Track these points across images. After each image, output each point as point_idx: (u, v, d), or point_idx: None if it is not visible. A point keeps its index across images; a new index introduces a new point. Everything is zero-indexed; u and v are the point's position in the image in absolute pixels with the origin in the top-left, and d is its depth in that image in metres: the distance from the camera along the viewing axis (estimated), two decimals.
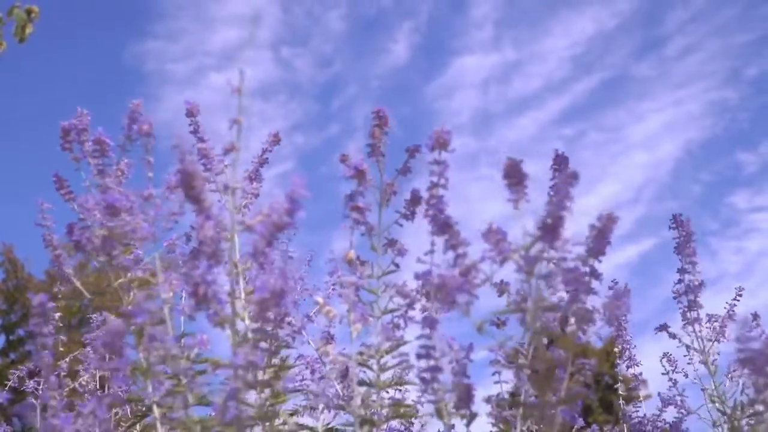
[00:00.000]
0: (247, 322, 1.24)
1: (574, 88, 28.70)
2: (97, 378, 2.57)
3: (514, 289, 1.42)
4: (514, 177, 1.06)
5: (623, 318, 2.13)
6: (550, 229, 1.01)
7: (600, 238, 1.03)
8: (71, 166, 1.63)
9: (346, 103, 27.79)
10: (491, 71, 28.75)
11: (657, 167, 26.66)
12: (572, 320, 1.06)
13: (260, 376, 1.67)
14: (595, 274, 1.04)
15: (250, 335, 0.94)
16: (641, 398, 2.29)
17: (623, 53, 29.86)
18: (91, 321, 2.57)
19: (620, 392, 2.34)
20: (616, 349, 2.26)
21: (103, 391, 2.49)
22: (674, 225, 2.10)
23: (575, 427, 2.12)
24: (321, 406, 1.63)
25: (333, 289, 2.12)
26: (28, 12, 2.40)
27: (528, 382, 1.28)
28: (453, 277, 1.05)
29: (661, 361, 2.29)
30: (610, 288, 1.10)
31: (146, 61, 25.57)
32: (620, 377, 2.35)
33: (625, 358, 2.29)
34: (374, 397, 1.52)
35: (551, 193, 1.31)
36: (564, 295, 1.05)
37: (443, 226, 1.07)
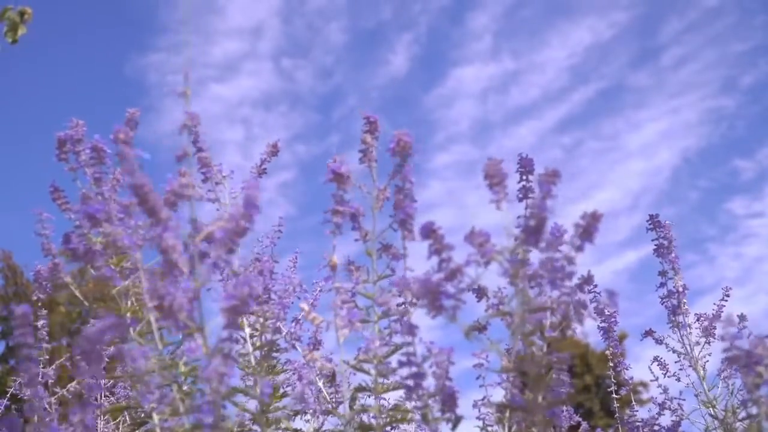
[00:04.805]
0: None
1: (571, 98, 28.93)
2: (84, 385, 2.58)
3: (500, 293, 1.42)
4: (495, 177, 1.06)
5: (612, 320, 2.09)
6: (533, 230, 1.00)
7: (585, 236, 1.02)
8: (67, 175, 1.64)
9: (346, 113, 28.03)
10: (490, 81, 28.95)
11: (655, 175, 26.76)
12: (558, 318, 1.06)
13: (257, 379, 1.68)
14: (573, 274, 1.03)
15: (220, 345, 0.93)
16: (633, 402, 2.26)
17: (620, 63, 29.98)
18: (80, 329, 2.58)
19: (614, 395, 2.31)
20: (607, 352, 2.21)
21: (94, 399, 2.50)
22: (651, 226, 2.00)
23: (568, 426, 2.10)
24: (310, 411, 1.64)
25: (318, 296, 2.12)
26: (21, 13, 2.40)
27: (516, 385, 1.28)
28: (436, 282, 1.04)
29: (649, 367, 2.24)
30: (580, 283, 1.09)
31: (148, 74, 25.92)
32: (614, 380, 2.32)
33: (615, 362, 2.26)
34: (372, 402, 1.52)
35: (520, 195, 1.30)
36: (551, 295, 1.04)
37: (427, 231, 1.06)
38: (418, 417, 1.64)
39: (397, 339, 1.49)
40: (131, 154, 0.92)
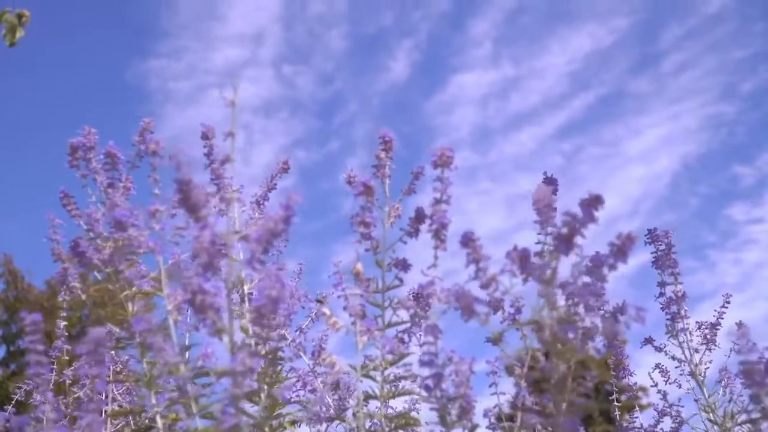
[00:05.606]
0: (242, 335, 1.26)
1: (571, 104, 29.18)
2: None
3: (518, 302, 1.46)
4: (543, 202, 1.11)
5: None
6: (565, 239, 1.04)
7: (620, 256, 1.06)
8: (71, 182, 1.64)
9: (346, 119, 28.20)
10: (490, 87, 29.17)
11: (655, 181, 26.96)
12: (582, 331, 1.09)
13: (262, 386, 1.69)
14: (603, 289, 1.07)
15: (247, 341, 0.95)
16: (637, 408, 2.28)
17: (620, 69, 30.33)
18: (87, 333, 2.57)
19: (615, 402, 2.33)
20: (610, 360, 2.24)
21: (105, 402, 2.50)
22: (650, 240, 2.06)
23: None
24: (315, 418, 1.65)
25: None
26: (19, 16, 2.39)
27: (533, 393, 1.30)
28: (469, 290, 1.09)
29: (650, 374, 2.27)
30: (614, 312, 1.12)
31: (149, 80, 25.88)
32: (616, 387, 2.34)
33: (619, 369, 2.28)
34: (378, 408, 1.53)
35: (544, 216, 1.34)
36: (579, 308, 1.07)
37: (466, 240, 1.10)
38: (426, 423, 1.66)
39: (403, 348, 1.52)
40: (181, 151, 0.94)
